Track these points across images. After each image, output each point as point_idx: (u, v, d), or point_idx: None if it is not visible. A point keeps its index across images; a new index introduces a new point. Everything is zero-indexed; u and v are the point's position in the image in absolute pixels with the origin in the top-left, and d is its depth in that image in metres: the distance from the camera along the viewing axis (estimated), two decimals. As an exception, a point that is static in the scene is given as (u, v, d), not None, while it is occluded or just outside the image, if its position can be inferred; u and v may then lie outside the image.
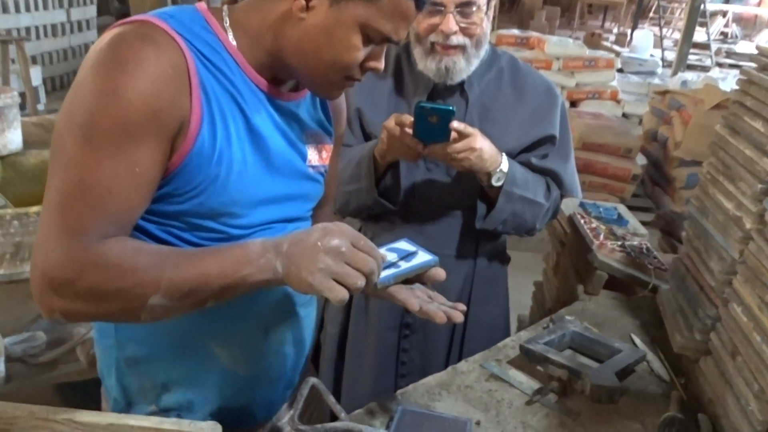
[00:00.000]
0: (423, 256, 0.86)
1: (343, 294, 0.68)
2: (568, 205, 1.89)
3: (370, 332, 1.38)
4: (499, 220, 1.26)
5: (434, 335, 1.37)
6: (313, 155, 0.90)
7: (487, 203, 1.26)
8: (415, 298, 0.82)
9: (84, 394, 1.13)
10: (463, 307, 0.82)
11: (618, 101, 4.88)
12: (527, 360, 1.12)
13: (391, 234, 1.32)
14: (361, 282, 0.69)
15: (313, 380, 0.89)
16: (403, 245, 0.90)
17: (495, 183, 1.20)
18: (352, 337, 1.42)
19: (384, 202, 1.26)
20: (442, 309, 0.81)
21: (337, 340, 1.44)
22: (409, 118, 1.10)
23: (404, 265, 0.84)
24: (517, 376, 1.09)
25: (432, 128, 1.08)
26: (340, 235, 0.71)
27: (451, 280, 1.33)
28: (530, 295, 2.27)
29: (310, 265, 0.69)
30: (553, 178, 1.32)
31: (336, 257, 0.69)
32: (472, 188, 1.27)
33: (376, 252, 0.73)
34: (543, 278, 2.14)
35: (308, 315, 0.99)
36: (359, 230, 1.40)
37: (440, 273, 0.85)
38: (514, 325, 2.04)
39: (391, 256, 0.85)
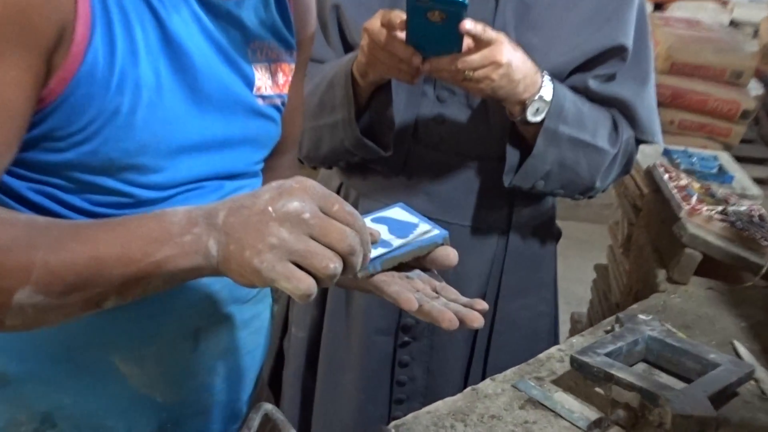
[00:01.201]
0: (426, 230, 0.86)
1: (308, 285, 0.67)
2: (647, 154, 1.89)
3: (353, 338, 1.39)
4: (539, 174, 1.24)
5: (446, 343, 1.37)
6: (263, 79, 0.89)
7: (522, 149, 1.25)
8: (413, 291, 0.81)
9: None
10: (483, 304, 0.81)
11: (724, 2, 4.82)
12: (581, 378, 1.11)
13: (383, 196, 1.32)
14: (334, 265, 0.68)
15: (266, 407, 0.88)
16: (398, 213, 0.89)
17: (532, 117, 1.18)
18: (328, 344, 1.42)
19: (369, 143, 1.25)
20: (452, 308, 0.79)
21: (305, 348, 1.45)
22: (401, 17, 1.08)
23: (398, 242, 0.83)
24: (566, 401, 1.09)
25: (434, 32, 1.06)
26: (303, 194, 0.69)
27: (470, 264, 1.37)
28: (589, 285, 2.28)
29: (256, 242, 0.67)
30: (622, 111, 1.30)
31: (296, 228, 0.67)
32: (504, 128, 1.26)
33: (359, 220, 0.71)
34: (608, 260, 2.16)
35: (260, 314, 0.99)
36: (338, 191, 1.42)
37: (451, 254, 0.84)
38: (564, 327, 2.06)
39: (380, 230, 0.84)
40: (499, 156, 1.27)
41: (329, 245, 0.68)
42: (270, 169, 0.99)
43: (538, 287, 1.44)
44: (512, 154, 1.25)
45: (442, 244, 0.85)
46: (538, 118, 1.19)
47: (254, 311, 0.96)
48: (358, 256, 0.70)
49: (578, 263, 2.89)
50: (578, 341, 1.22)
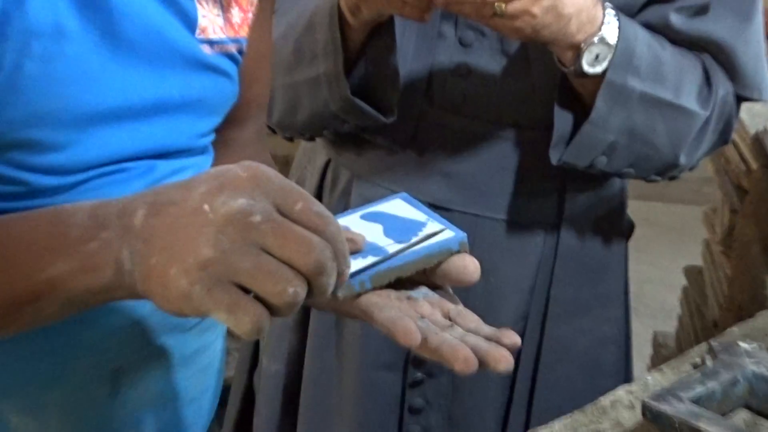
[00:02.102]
0: (436, 231, 0.85)
1: (255, 317, 0.66)
2: (756, 113, 1.90)
3: (345, 374, 1.39)
4: (601, 147, 1.24)
5: (474, 381, 1.37)
6: (210, 17, 0.90)
7: (577, 112, 1.25)
8: (416, 317, 0.79)
9: None
10: (514, 337, 0.79)
11: None
12: (658, 432, 1.10)
13: (385, 177, 1.34)
14: (294, 290, 0.67)
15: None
16: (399, 207, 0.89)
17: (589, 68, 1.18)
18: (312, 382, 1.43)
19: (364, 105, 1.26)
20: (470, 342, 0.77)
21: (282, 386, 1.47)
22: None
23: (397, 248, 0.83)
24: (636, 463, 1.07)
25: None
26: (252, 188, 0.68)
27: (506, 273, 1.40)
28: (677, 296, 2.26)
29: (186, 255, 0.66)
30: (717, 57, 1.30)
31: (242, 236, 0.67)
32: (552, 83, 1.25)
33: (331, 224, 0.70)
34: (703, 259, 2.14)
35: (209, 346, 1.01)
36: (325, 169, 1.44)
37: (470, 266, 0.83)
38: (645, 349, 2.03)
39: (371, 232, 0.84)
40: (545, 122, 1.26)
41: (288, 261, 0.67)
42: (225, 143, 1.00)
43: (602, 303, 1.43)
44: (563, 120, 1.24)
45: (459, 251, 0.84)
46: (599, 69, 1.18)
47: (200, 342, 0.97)
48: (329, 276, 0.69)
49: (666, 260, 2.87)
50: (655, 379, 1.21)
